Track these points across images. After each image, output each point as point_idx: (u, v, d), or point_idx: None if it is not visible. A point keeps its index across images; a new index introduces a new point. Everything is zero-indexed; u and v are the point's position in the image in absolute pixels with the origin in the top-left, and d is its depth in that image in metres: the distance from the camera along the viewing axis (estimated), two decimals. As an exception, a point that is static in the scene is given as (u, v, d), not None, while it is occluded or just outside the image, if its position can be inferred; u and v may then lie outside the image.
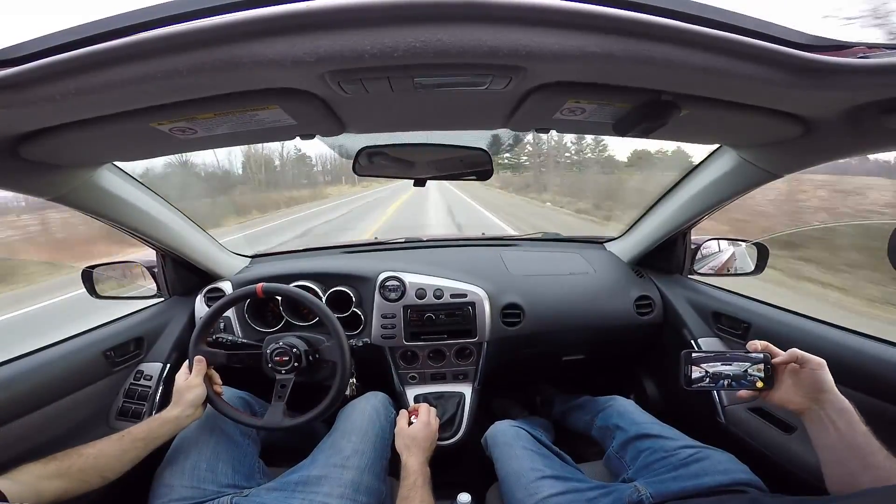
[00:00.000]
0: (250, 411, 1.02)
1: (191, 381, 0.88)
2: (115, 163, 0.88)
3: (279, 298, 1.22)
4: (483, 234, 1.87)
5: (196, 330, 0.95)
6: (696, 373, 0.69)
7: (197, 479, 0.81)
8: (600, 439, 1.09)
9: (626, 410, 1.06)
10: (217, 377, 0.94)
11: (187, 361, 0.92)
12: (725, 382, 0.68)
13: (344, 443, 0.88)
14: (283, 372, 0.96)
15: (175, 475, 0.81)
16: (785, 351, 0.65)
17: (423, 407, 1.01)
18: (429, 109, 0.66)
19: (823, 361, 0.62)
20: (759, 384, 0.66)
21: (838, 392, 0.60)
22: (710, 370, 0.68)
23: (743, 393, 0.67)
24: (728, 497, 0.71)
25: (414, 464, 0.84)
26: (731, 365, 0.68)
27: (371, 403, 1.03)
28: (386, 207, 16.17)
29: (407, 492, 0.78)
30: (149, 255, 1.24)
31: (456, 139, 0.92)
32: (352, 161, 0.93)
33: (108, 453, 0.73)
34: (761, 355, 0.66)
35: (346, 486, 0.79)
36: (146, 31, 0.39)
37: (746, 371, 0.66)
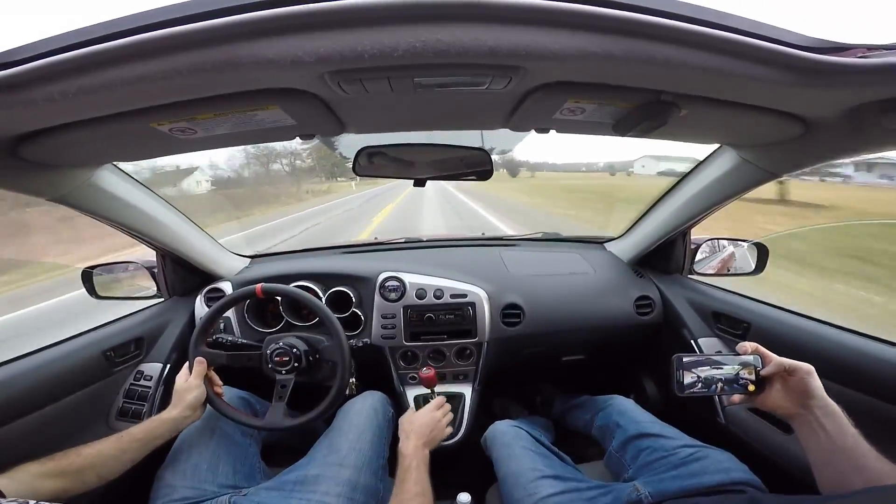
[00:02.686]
0: (251, 411, 1.02)
1: (190, 382, 0.88)
2: (114, 163, 0.88)
3: (279, 299, 1.22)
4: (483, 234, 1.87)
5: (196, 331, 0.95)
6: (688, 378, 0.67)
7: (197, 479, 0.81)
8: (600, 438, 1.09)
9: (625, 409, 1.06)
10: (217, 378, 0.94)
11: (187, 362, 0.92)
12: (718, 387, 0.66)
13: (341, 441, 0.88)
14: (284, 372, 0.96)
15: (176, 475, 0.81)
16: (778, 353, 0.65)
17: (436, 399, 0.99)
18: (428, 109, 0.66)
19: (812, 368, 0.61)
20: (751, 387, 0.65)
21: (827, 397, 0.60)
22: (702, 374, 0.67)
23: (736, 397, 0.67)
24: (727, 496, 0.71)
25: (407, 448, 0.82)
26: (721, 368, 0.66)
27: (369, 402, 1.02)
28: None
29: (402, 474, 0.77)
30: (149, 255, 1.24)
31: (456, 139, 0.92)
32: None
33: (107, 453, 0.73)
34: (751, 358, 0.66)
35: (343, 485, 0.79)
36: (146, 32, 0.39)
37: (738, 374, 0.66)
